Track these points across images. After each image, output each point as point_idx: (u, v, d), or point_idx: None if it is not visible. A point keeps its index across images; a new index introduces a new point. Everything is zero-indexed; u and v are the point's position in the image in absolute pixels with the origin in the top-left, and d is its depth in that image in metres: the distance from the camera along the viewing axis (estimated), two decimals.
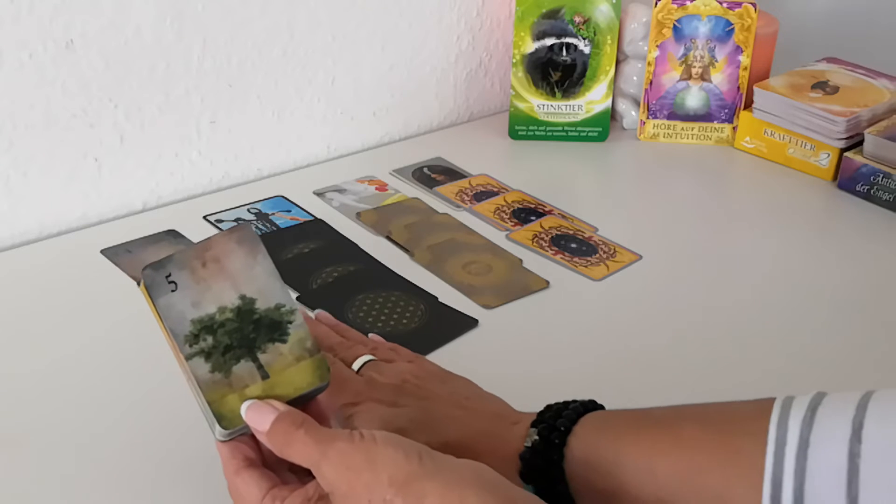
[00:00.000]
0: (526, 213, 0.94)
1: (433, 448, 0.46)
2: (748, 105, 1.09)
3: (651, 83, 1.09)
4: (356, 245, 0.87)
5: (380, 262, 0.84)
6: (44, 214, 0.86)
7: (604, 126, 1.10)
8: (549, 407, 0.55)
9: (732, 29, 1.07)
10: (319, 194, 0.96)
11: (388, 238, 0.88)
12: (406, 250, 0.86)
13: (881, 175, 0.97)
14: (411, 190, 0.98)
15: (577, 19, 1.06)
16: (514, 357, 0.73)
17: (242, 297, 0.50)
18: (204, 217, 0.90)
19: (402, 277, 0.82)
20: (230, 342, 0.49)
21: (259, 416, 0.48)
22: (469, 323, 0.77)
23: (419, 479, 0.44)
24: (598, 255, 0.87)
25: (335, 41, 1.00)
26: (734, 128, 1.11)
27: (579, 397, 0.56)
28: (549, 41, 1.07)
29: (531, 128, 1.10)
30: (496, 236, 0.90)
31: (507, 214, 0.93)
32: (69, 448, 0.62)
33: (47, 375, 0.68)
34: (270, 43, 0.95)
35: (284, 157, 1.01)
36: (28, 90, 0.81)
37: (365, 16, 1.01)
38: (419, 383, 0.58)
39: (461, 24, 1.10)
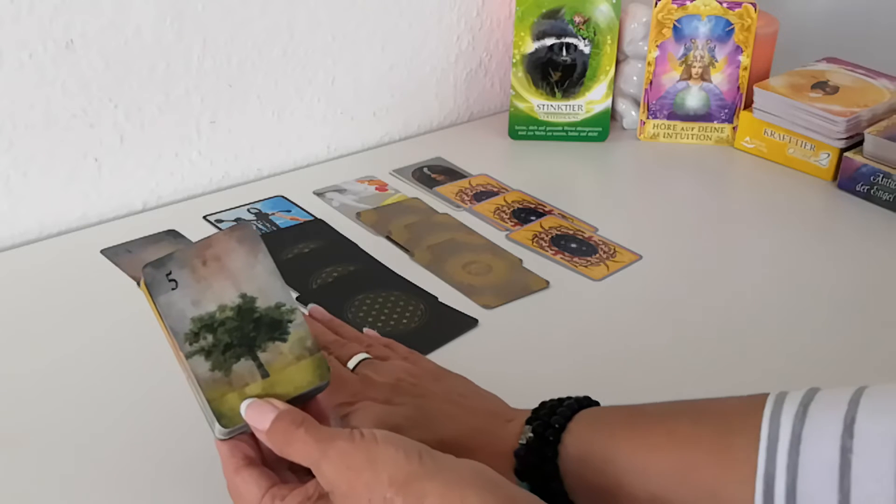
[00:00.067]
0: (526, 213, 0.94)
1: (429, 446, 0.46)
2: (748, 105, 1.09)
3: (651, 83, 1.09)
4: (356, 245, 0.87)
5: (380, 262, 0.84)
6: (44, 214, 0.86)
7: (604, 126, 1.10)
8: (543, 404, 0.55)
9: (732, 29, 1.07)
10: (319, 194, 0.96)
11: (388, 238, 0.88)
12: (406, 250, 0.86)
13: (881, 175, 0.97)
14: (411, 190, 0.98)
15: (577, 19, 1.06)
16: (513, 357, 0.73)
17: (243, 296, 0.50)
18: (204, 217, 0.90)
19: (402, 277, 0.82)
20: (230, 341, 0.49)
21: (259, 415, 0.48)
22: (469, 323, 0.77)
23: (419, 478, 0.44)
24: (598, 255, 0.87)
25: (335, 41, 1.00)
26: (734, 128, 1.11)
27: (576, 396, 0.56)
28: (549, 41, 1.07)
29: (531, 128, 1.10)
30: (496, 236, 0.90)
31: (507, 214, 0.93)
32: (69, 448, 0.62)
33: (47, 375, 0.68)
34: (270, 43, 0.95)
35: (284, 157, 1.01)
36: (28, 90, 0.81)
37: (365, 16, 1.01)
38: (415, 381, 0.58)
39: (461, 24, 1.10)
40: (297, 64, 0.98)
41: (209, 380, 0.49)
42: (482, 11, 1.11)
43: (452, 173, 1.02)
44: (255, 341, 0.50)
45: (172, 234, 0.87)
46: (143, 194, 0.92)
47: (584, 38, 1.07)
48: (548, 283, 0.83)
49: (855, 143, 1.01)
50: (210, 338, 0.49)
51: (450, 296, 0.80)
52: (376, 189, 0.97)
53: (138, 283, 0.49)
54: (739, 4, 1.06)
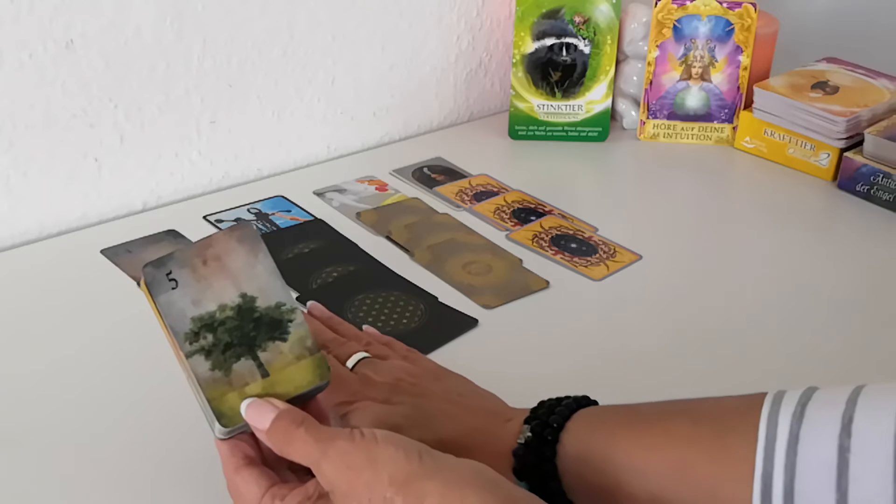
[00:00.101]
0: (526, 213, 0.94)
1: (428, 445, 0.46)
2: (748, 105, 1.09)
3: (651, 83, 1.09)
4: (356, 245, 0.87)
5: (380, 262, 0.84)
6: (44, 214, 0.86)
7: (604, 126, 1.10)
8: (542, 403, 0.55)
9: (732, 29, 1.07)
10: (319, 194, 0.96)
11: (388, 238, 0.88)
12: (406, 250, 0.86)
13: (881, 175, 0.97)
14: (411, 190, 0.98)
15: (577, 19, 1.06)
16: (513, 357, 0.73)
17: (243, 296, 0.50)
18: (204, 217, 0.90)
19: (402, 277, 0.82)
20: (230, 340, 0.49)
21: (259, 415, 0.48)
22: (469, 323, 0.77)
23: (419, 478, 0.44)
24: (598, 255, 0.87)
25: (335, 41, 1.00)
26: (734, 128, 1.11)
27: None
28: (549, 41, 1.07)
29: (531, 128, 1.10)
30: (496, 236, 0.90)
31: (507, 214, 0.93)
32: (69, 448, 0.61)
33: (47, 375, 0.68)
34: (270, 43, 0.95)
35: (284, 157, 1.01)
36: (28, 90, 0.81)
37: (365, 16, 1.01)
38: (414, 381, 0.58)
39: (461, 24, 1.10)
40: (297, 64, 0.98)
41: (209, 379, 0.49)
42: (482, 11, 1.11)
43: (452, 173, 1.02)
44: (255, 341, 0.50)
45: (172, 234, 0.87)
46: (143, 194, 0.92)
47: (584, 38, 1.07)
48: (548, 283, 0.83)
49: (855, 143, 1.01)
50: (210, 337, 0.49)
51: (450, 296, 0.80)
52: (376, 189, 0.97)
53: (138, 283, 0.49)
54: (739, 4, 1.06)
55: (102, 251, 0.83)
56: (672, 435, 0.50)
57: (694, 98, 1.10)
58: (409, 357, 0.62)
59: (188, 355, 0.49)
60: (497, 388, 0.60)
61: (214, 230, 0.87)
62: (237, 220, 0.90)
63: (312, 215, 0.91)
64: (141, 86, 0.87)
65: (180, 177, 0.94)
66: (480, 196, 0.97)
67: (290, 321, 0.51)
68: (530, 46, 1.07)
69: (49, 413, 0.65)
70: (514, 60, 1.07)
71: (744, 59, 1.08)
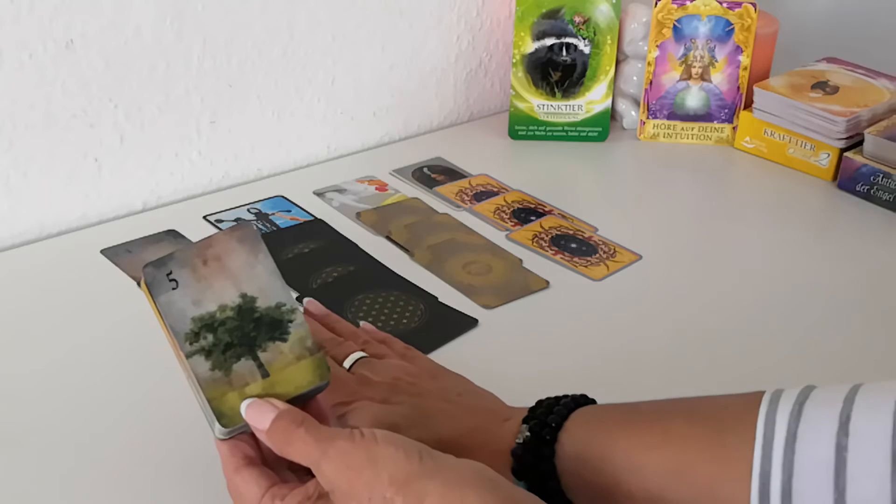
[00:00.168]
0: (526, 213, 0.94)
1: (426, 444, 0.46)
2: (748, 105, 1.09)
3: (651, 83, 1.09)
4: (356, 245, 0.87)
5: (380, 262, 0.84)
6: (44, 214, 0.86)
7: (604, 126, 1.10)
8: (540, 402, 0.55)
9: (732, 29, 1.07)
10: (319, 194, 0.96)
11: (388, 238, 0.88)
12: (406, 250, 0.86)
13: (881, 175, 0.97)
14: (411, 190, 0.98)
15: (577, 19, 1.06)
16: (513, 357, 0.73)
17: (243, 296, 0.50)
18: (204, 217, 0.90)
19: (402, 277, 0.82)
20: (231, 340, 0.49)
21: (259, 415, 0.48)
22: (469, 323, 0.77)
23: (419, 478, 0.44)
24: (598, 255, 0.87)
25: (335, 41, 1.00)
26: (734, 128, 1.11)
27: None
28: (549, 41, 1.07)
29: (531, 128, 1.10)
30: (496, 236, 0.90)
31: (507, 214, 0.93)
32: (69, 448, 0.61)
33: (47, 375, 0.68)
34: (270, 43, 0.95)
35: (284, 157, 1.01)
36: (28, 90, 0.81)
37: (365, 16, 1.01)
38: (412, 380, 0.58)
39: (461, 24, 1.10)
40: (297, 64, 0.98)
41: (209, 379, 0.49)
42: (482, 11, 1.11)
43: (452, 173, 1.02)
44: (255, 341, 0.50)
45: (172, 234, 0.87)
46: (143, 194, 0.92)
47: (584, 38, 1.07)
48: (548, 283, 0.83)
49: (855, 143, 1.01)
50: (210, 337, 0.49)
51: (450, 296, 0.80)
52: (376, 189, 0.97)
53: (138, 283, 0.49)
54: (739, 4, 1.06)
55: (102, 251, 0.83)
56: (670, 434, 0.50)
57: (694, 98, 1.10)
58: (406, 355, 0.62)
59: (188, 355, 0.49)
60: (497, 388, 0.60)
61: (214, 230, 0.87)
62: (237, 220, 0.90)
63: (312, 215, 0.91)
64: (141, 86, 0.87)
65: (180, 177, 0.94)
66: (480, 196, 0.97)
67: (291, 321, 0.51)
68: (530, 46, 1.07)
69: (49, 413, 0.65)
70: (514, 60, 1.07)
71: (744, 59, 1.08)
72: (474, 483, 0.44)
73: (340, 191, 0.97)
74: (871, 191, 0.98)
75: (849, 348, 0.76)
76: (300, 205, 0.93)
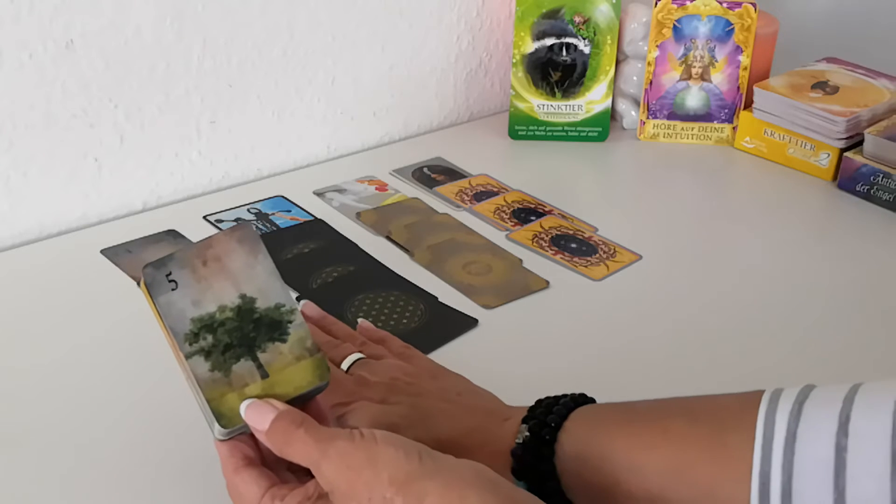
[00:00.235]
0: (526, 213, 0.94)
1: (425, 445, 0.46)
2: (748, 105, 1.09)
3: (651, 83, 1.09)
4: (356, 245, 0.87)
5: (380, 262, 0.84)
6: (44, 214, 0.86)
7: (604, 126, 1.10)
8: (539, 402, 0.55)
9: (732, 29, 1.07)
10: (319, 194, 0.96)
11: (388, 238, 0.88)
12: (406, 250, 0.86)
13: (881, 175, 0.97)
14: (411, 190, 0.98)
15: (577, 19, 1.06)
16: (514, 357, 0.73)
17: (243, 297, 0.50)
18: (204, 217, 0.90)
19: (402, 277, 0.82)
20: (230, 341, 0.49)
21: (258, 415, 0.48)
22: (469, 323, 0.77)
23: (419, 478, 0.44)
24: (598, 255, 0.87)
25: (335, 41, 1.00)
26: (734, 128, 1.11)
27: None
28: (549, 41, 1.07)
29: (531, 128, 1.10)
30: (496, 236, 0.90)
31: (507, 214, 0.93)
32: (69, 448, 0.62)
33: (47, 375, 0.68)
34: (270, 43, 0.95)
35: (284, 157, 1.01)
36: (28, 90, 0.81)
37: (365, 16, 1.01)
38: (410, 380, 0.58)
39: (461, 24, 1.10)
40: (297, 64, 0.98)
41: (209, 380, 0.49)
42: (482, 11, 1.11)
43: (452, 173, 1.02)
44: (254, 342, 0.50)
45: (172, 234, 0.87)
46: (143, 194, 0.92)
47: (584, 38, 1.07)
48: (548, 283, 0.83)
49: (855, 143, 1.01)
50: (210, 338, 0.49)
51: (450, 296, 0.80)
52: (376, 189, 0.97)
53: (138, 283, 0.49)
54: (739, 4, 1.06)
55: (102, 251, 0.83)
56: (670, 434, 0.50)
57: (694, 98, 1.10)
58: (405, 354, 0.62)
59: (188, 356, 0.49)
60: (497, 388, 0.60)
61: (214, 230, 0.87)
62: (237, 220, 0.90)
63: (312, 215, 0.91)
64: (141, 86, 0.87)
65: (180, 177, 0.94)
66: (480, 196, 0.97)
67: (290, 322, 0.51)
68: (530, 46, 1.07)
69: (49, 413, 0.65)
70: (514, 60, 1.07)
71: (744, 59, 1.08)
72: (474, 483, 0.44)
73: (340, 191, 0.97)
74: (871, 191, 0.98)
75: (849, 348, 0.76)
76: (300, 205, 0.93)
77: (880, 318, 0.80)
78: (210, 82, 0.92)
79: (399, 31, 1.05)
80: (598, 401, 0.56)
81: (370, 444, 0.46)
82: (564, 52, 1.07)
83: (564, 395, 0.56)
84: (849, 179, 1.00)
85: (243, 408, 0.49)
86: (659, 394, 0.55)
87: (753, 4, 1.06)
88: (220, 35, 0.91)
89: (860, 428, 0.43)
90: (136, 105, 0.88)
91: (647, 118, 1.11)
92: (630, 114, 1.14)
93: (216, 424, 0.49)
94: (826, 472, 0.43)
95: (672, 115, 1.11)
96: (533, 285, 0.82)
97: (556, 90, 1.08)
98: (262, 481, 0.48)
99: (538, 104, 1.09)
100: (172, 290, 0.49)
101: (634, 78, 1.12)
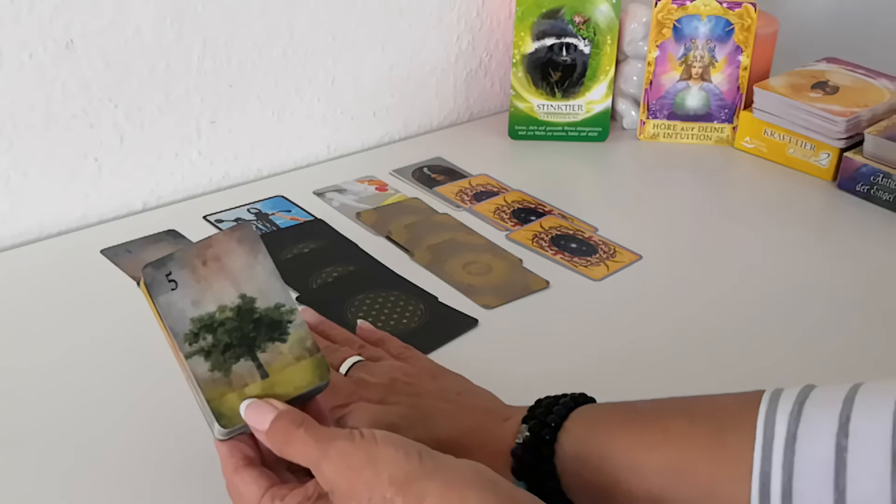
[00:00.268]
0: (526, 213, 0.94)
1: (425, 445, 0.46)
2: (748, 105, 1.09)
3: (651, 83, 1.09)
4: (356, 245, 0.87)
5: (380, 262, 0.84)
6: (44, 214, 0.86)
7: (604, 126, 1.10)
8: (539, 402, 0.55)
9: (732, 29, 1.07)
10: (319, 194, 0.96)
11: (388, 238, 0.88)
12: (406, 250, 0.86)
13: (881, 175, 0.97)
14: (411, 190, 0.98)
15: (577, 19, 1.06)
16: (514, 357, 0.73)
17: (242, 296, 0.50)
18: (204, 217, 0.90)
19: (402, 277, 0.82)
20: (230, 341, 0.49)
21: (258, 415, 0.48)
22: (469, 323, 0.77)
23: (419, 478, 0.44)
24: (598, 255, 0.87)
25: (335, 41, 1.00)
26: (734, 128, 1.11)
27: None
28: (549, 41, 1.07)
29: (531, 128, 1.10)
30: (496, 236, 0.90)
31: (507, 214, 0.93)
32: (69, 448, 0.62)
33: (47, 375, 0.68)
34: (270, 43, 0.95)
35: (284, 157, 1.01)
36: (28, 90, 0.81)
37: (365, 16, 1.01)
38: (409, 381, 0.58)
39: (461, 24, 1.10)
40: (297, 64, 0.98)
41: (208, 380, 0.49)
42: (482, 11, 1.11)
43: (452, 173, 1.02)
44: (254, 342, 0.50)
45: (172, 234, 0.87)
46: (143, 194, 0.92)
47: (584, 38, 1.07)
48: (548, 283, 0.83)
49: (855, 143, 1.01)
50: (210, 338, 0.49)
51: (450, 296, 0.80)
52: (376, 189, 0.97)
53: (138, 283, 0.49)
54: (739, 4, 1.06)
55: (102, 251, 0.83)
56: (670, 433, 0.50)
57: (694, 98, 1.10)
58: (404, 354, 0.62)
59: (188, 356, 0.49)
60: (497, 388, 0.60)
61: (214, 230, 0.87)
62: (237, 220, 0.90)
63: (312, 215, 0.91)
64: (141, 86, 0.87)
65: (180, 177, 0.94)
66: (480, 196, 0.97)
67: (290, 322, 0.51)
68: (530, 46, 1.07)
69: (49, 413, 0.65)
70: (514, 60, 1.07)
71: (744, 59, 1.08)
72: (474, 483, 0.44)
73: (340, 191, 0.97)
74: (871, 191, 0.98)
75: (849, 348, 0.76)
76: (300, 205, 0.93)
77: (880, 318, 0.80)
78: (210, 82, 0.92)
79: (399, 31, 1.05)
80: (598, 401, 0.56)
81: (370, 444, 0.46)
82: (564, 52, 1.07)
83: (564, 395, 0.56)
84: (849, 179, 1.00)
85: (243, 408, 0.49)
86: (659, 394, 0.55)
87: (753, 4, 1.06)
88: (220, 35, 0.91)
89: (860, 428, 0.43)
90: (136, 105, 0.88)
91: (647, 118, 1.11)
92: (630, 114, 1.14)
93: (216, 424, 0.49)
94: (826, 472, 0.43)
95: (672, 115, 1.11)
96: (533, 285, 0.82)
97: (556, 90, 1.08)
98: (262, 481, 0.48)
99: (538, 104, 1.09)
100: (172, 289, 0.49)
101: (634, 78, 1.12)
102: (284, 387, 0.50)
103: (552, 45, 1.07)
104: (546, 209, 0.95)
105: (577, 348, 0.74)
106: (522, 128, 1.10)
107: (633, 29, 1.10)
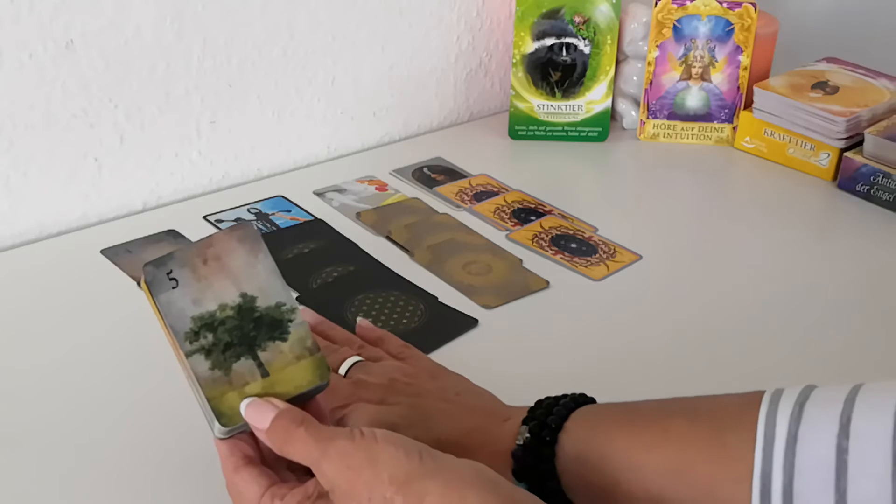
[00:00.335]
0: (526, 213, 0.94)
1: (425, 444, 0.46)
2: (748, 105, 1.09)
3: (651, 83, 1.09)
4: (356, 245, 0.87)
5: (380, 262, 0.84)
6: (44, 214, 0.86)
7: (604, 126, 1.10)
8: (539, 402, 0.55)
9: (732, 29, 1.07)
10: (319, 194, 0.96)
11: (388, 238, 0.88)
12: (406, 250, 0.86)
13: (881, 175, 0.97)
14: (411, 190, 0.98)
15: (577, 19, 1.06)
16: (514, 357, 0.73)
17: (243, 295, 0.50)
18: (204, 217, 0.90)
19: (402, 277, 0.82)
20: (230, 340, 0.49)
21: (259, 414, 0.48)
22: (469, 323, 0.76)
23: (420, 477, 0.44)
24: (598, 255, 0.87)
25: (335, 41, 1.00)
26: (734, 128, 1.11)
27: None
28: (549, 41, 1.07)
29: (531, 128, 1.10)
30: (496, 236, 0.90)
31: (507, 214, 0.93)
32: (69, 448, 0.61)
33: (47, 375, 0.68)
34: (270, 43, 0.95)
35: (284, 157, 1.01)
36: (28, 90, 0.81)
37: (365, 16, 1.01)
38: (409, 381, 0.58)
39: (461, 24, 1.10)
40: (297, 64, 0.98)
41: (209, 379, 0.49)
42: (482, 11, 1.11)
43: (452, 173, 1.02)
44: (255, 340, 0.50)
45: (172, 234, 0.87)
46: (143, 194, 0.92)
47: (584, 38, 1.07)
48: (548, 283, 0.83)
49: (855, 143, 1.01)
50: (210, 337, 0.49)
51: (450, 296, 0.80)
52: (376, 189, 0.97)
53: (138, 283, 0.49)
54: (739, 4, 1.06)
55: (102, 251, 0.83)
56: (670, 434, 0.50)
57: (694, 98, 1.10)
58: (403, 353, 0.62)
59: (188, 355, 0.49)
60: (497, 388, 0.60)
61: (214, 230, 0.87)
62: (237, 220, 0.90)
63: (312, 215, 0.91)
64: (141, 86, 0.87)
65: (180, 177, 0.94)
66: (480, 196, 0.97)
67: (291, 321, 0.51)
68: (530, 46, 1.07)
69: (49, 413, 0.65)
70: (514, 60, 1.07)
71: (744, 59, 1.08)
72: (474, 483, 0.44)
73: (340, 191, 0.97)
74: (871, 191, 0.98)
75: (849, 348, 0.76)
76: (300, 205, 0.93)
77: (880, 318, 0.80)
78: (210, 82, 0.92)
79: (399, 31, 1.05)
80: (598, 401, 0.56)
81: (370, 444, 0.46)
82: (564, 52, 1.07)
83: (564, 396, 0.56)
84: (849, 179, 1.00)
85: (243, 406, 0.49)
86: (659, 394, 0.55)
87: (753, 4, 1.06)
88: (220, 35, 0.91)
89: (861, 429, 0.43)
90: (136, 105, 0.88)
91: (647, 118, 1.11)
92: (630, 114, 1.14)
93: (216, 423, 0.49)
94: (827, 473, 0.43)
95: (672, 115, 1.11)
96: (533, 285, 0.82)
97: (556, 90, 1.08)
98: (262, 480, 0.48)
99: (538, 104, 1.09)
100: (173, 288, 0.49)
101: (634, 78, 1.12)
102: (285, 386, 0.50)
103: (552, 45, 1.07)
104: (546, 209, 0.95)
105: (577, 348, 0.74)
106: (522, 128, 1.10)
107: (633, 29, 1.10)
